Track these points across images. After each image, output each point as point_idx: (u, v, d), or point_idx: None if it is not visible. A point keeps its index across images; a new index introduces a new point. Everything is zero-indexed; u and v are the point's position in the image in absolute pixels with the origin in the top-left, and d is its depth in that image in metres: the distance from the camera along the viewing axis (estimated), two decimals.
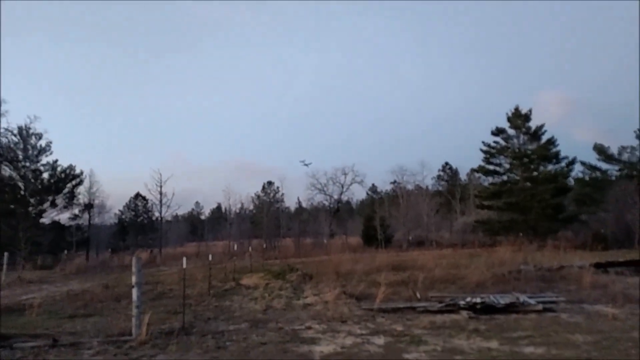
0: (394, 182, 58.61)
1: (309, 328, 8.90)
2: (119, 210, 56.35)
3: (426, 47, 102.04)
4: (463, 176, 63.63)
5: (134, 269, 8.36)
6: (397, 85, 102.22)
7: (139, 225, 53.60)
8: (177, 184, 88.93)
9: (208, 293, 13.37)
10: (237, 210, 50.44)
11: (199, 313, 10.77)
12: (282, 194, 53.50)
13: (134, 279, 8.33)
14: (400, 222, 43.82)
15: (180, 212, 65.19)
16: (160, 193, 40.72)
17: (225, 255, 26.62)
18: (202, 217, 74.15)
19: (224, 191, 56.11)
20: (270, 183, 55.02)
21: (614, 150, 42.18)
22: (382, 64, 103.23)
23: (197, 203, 76.46)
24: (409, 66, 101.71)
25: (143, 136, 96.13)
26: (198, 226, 61.13)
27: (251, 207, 54.54)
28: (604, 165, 42.35)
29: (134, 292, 8.31)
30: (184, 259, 10.14)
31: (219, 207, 66.54)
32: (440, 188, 63.72)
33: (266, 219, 44.06)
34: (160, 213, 41.99)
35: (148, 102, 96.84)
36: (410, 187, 55.61)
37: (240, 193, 75.48)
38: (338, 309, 10.60)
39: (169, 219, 50.29)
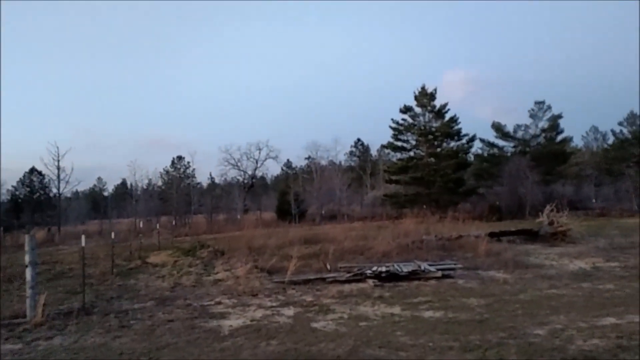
0: (309, 157, 59.29)
1: (219, 303, 8.86)
2: (12, 186, 51.89)
3: (339, 25, 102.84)
4: (374, 152, 65.76)
5: (27, 248, 7.87)
6: (312, 63, 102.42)
7: (35, 202, 49.71)
8: (78, 159, 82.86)
9: (111, 272, 12.77)
10: (144, 187, 48.31)
11: (101, 293, 10.30)
12: (193, 170, 51.93)
13: (27, 258, 7.81)
14: (313, 197, 44.47)
15: (81, 188, 61.26)
16: (58, 168, 37.77)
17: (131, 233, 25.46)
18: (105, 193, 70.14)
19: (129, 166, 53.09)
20: (180, 158, 53.07)
21: (510, 128, 45.54)
22: (296, 43, 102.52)
23: (99, 179, 72.06)
24: (322, 45, 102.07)
25: (39, 107, 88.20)
26: (101, 203, 57.60)
27: (159, 183, 52.52)
28: (500, 142, 45.59)
29: (28, 272, 7.82)
30: (83, 237, 9.55)
31: (123, 183, 63.19)
32: (353, 163, 65.42)
33: (176, 195, 42.61)
34: (58, 189, 39.02)
35: (44, 69, 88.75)
36: (324, 162, 56.61)
37: (147, 168, 71.87)
38: (249, 283, 10.63)
39: (69, 195, 46.89)
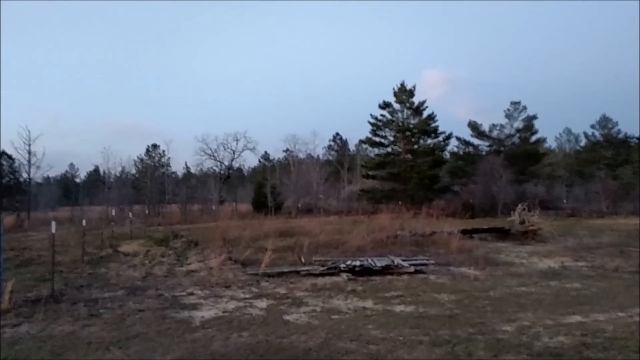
0: (287, 150, 59.08)
1: (191, 294, 8.77)
2: None
3: (320, 19, 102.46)
4: (352, 147, 65.99)
5: None
6: (292, 56, 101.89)
7: (4, 186, 48.16)
8: (50, 144, 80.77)
9: (82, 260, 12.54)
10: (118, 174, 47.43)
11: (70, 280, 10.11)
12: (169, 158, 51.17)
13: None
14: (290, 190, 44.41)
15: (52, 173, 59.73)
16: (29, 152, 36.85)
17: (103, 221, 25.01)
18: (77, 180, 68.53)
19: (103, 153, 51.93)
20: (155, 146, 52.20)
21: (485, 127, 46.25)
22: (276, 35, 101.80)
23: (71, 165, 70.34)
24: (303, 39, 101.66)
25: (10, 90, 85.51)
26: (72, 190, 56.30)
27: (133, 171, 51.64)
28: (476, 141, 46.30)
29: None
30: (53, 224, 9.34)
31: (96, 170, 61.74)
32: (331, 157, 65.55)
33: (150, 183, 41.98)
34: (29, 174, 38.09)
35: (14, 51, 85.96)
36: (302, 155, 56.47)
37: (121, 156, 70.33)
38: (223, 274, 10.56)
39: (39, 180, 45.68)
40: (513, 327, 6.24)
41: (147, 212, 36.51)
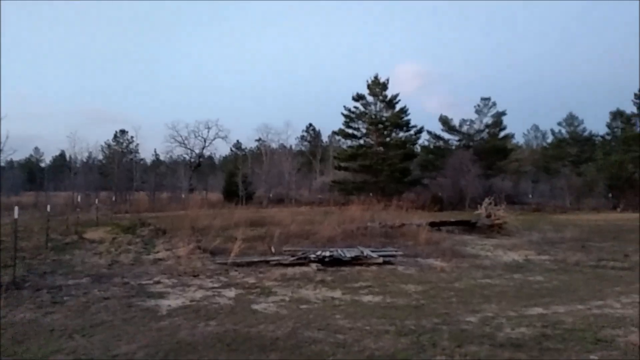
0: (259, 139, 58.53)
1: (158, 283, 8.67)
2: None
3: (294, 9, 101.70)
4: (325, 138, 65.95)
5: None
6: (266, 46, 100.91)
7: None
8: (14, 127, 78.06)
9: (45, 246, 12.20)
10: (84, 160, 46.18)
11: (33, 267, 9.86)
12: (137, 145, 50.11)
13: None
14: (262, 180, 44.12)
15: (16, 157, 57.92)
16: None
17: (69, 207, 24.37)
18: (42, 164, 66.47)
19: (69, 137, 50.41)
20: (123, 132, 51.02)
21: (456, 122, 46.90)
22: (250, 25, 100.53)
23: (36, 149, 68.18)
24: (277, 30, 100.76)
25: None
26: (37, 174, 54.61)
27: (100, 157, 50.38)
28: (446, 135, 46.93)
29: None
30: (16, 209, 9.03)
31: (62, 155, 60.05)
32: (303, 148, 65.40)
33: (117, 170, 41.02)
34: None
35: None
36: (274, 145, 56.09)
37: (89, 141, 68.45)
38: (191, 263, 10.47)
39: (2, 164, 44.13)
40: (477, 318, 6.39)
41: (114, 199, 35.68)
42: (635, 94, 41.58)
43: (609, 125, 45.40)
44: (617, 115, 43.82)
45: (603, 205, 37.12)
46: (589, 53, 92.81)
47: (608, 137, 46.22)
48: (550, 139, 57.57)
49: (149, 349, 5.03)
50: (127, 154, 49.80)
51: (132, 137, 50.14)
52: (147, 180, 42.91)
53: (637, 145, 40.39)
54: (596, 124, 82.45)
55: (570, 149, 50.02)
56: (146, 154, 60.76)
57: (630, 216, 27.59)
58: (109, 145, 51.44)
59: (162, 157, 53.67)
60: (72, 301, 7.14)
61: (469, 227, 18.39)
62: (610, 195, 39.52)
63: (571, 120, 51.89)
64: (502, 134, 46.05)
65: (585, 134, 50.84)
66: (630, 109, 42.33)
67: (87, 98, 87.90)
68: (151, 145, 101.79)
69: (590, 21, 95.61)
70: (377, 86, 40.78)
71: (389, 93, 40.92)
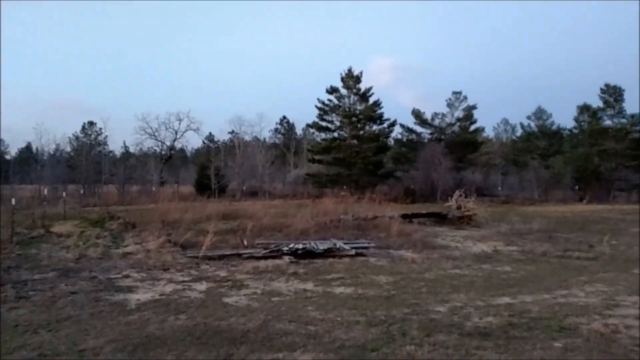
0: (232, 132, 57.85)
1: (127, 277, 8.53)
2: None
3: (268, 1, 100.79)
4: (299, 131, 65.74)
5: None
6: (239, 38, 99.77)
7: None
8: None
9: (10, 240, 11.83)
10: (52, 152, 44.85)
11: None
12: (106, 137, 48.69)
13: None
14: (235, 173, 43.73)
15: None
16: None
17: (35, 201, 23.70)
18: (8, 156, 64.32)
19: (36, 129, 48.83)
20: (91, 123, 49.65)
21: (428, 115, 47.37)
22: (223, 17, 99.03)
23: (1, 140, 65.96)
24: (251, 21, 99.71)
25: None
26: (2, 167, 52.79)
27: (68, 149, 49.01)
28: (418, 129, 47.33)
29: None
30: None
31: (28, 147, 58.28)
32: (277, 141, 65.04)
33: (86, 162, 39.93)
34: None
35: None
36: (247, 138, 55.57)
37: (56, 133, 66.36)
38: (161, 257, 10.32)
39: None
40: (446, 308, 6.50)
41: (82, 192, 34.82)
42: (601, 89, 42.65)
43: (576, 119, 46.47)
44: (584, 109, 44.87)
45: (570, 197, 38.23)
46: (558, 48, 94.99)
47: (575, 131, 47.33)
48: (519, 132, 58.72)
49: (117, 343, 4.95)
50: (95, 146, 48.56)
51: (100, 128, 48.85)
52: (116, 173, 41.93)
53: (603, 138, 41.65)
54: (564, 118, 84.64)
55: (539, 142, 51.14)
56: (115, 146, 59.59)
57: (596, 208, 28.55)
58: (77, 137, 50.11)
59: (131, 150, 52.45)
60: (37, 296, 6.98)
61: (440, 219, 18.68)
62: (576, 187, 40.71)
63: (540, 114, 53.01)
64: (472, 127, 46.78)
65: (554, 127, 51.96)
66: (596, 103, 43.46)
67: (53, 88, 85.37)
68: (120, 137, 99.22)
69: (557, 17, 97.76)
70: (351, 79, 40.82)
71: (363, 86, 41.05)
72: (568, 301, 6.99)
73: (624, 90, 42.04)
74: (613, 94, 42.19)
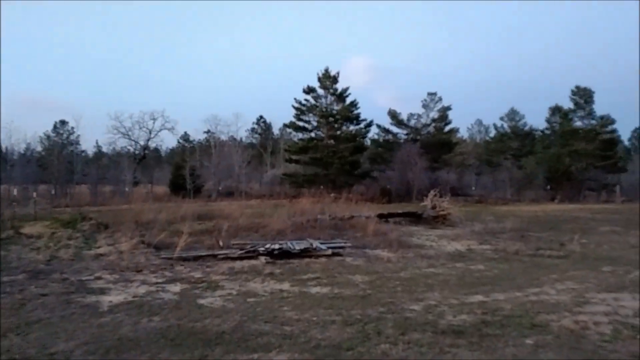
0: (208, 131, 57.30)
1: (99, 278, 8.38)
2: None
3: (248, 4, 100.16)
4: (276, 130, 65.48)
5: None
6: (216, 37, 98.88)
7: None
8: None
9: None
10: (22, 151, 43.69)
11: None
12: (78, 136, 47.71)
13: None
14: (211, 172, 43.31)
15: None
16: None
17: (4, 201, 23.02)
18: None
19: (5, 128, 47.62)
20: (63, 122, 48.55)
21: (404, 116, 47.76)
22: (200, 16, 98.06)
23: None
24: (228, 20, 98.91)
25: None
26: None
27: (39, 148, 47.83)
28: (394, 129, 47.68)
29: None
30: None
31: None
32: (254, 140, 64.69)
33: (57, 162, 39.01)
34: None
35: None
36: (224, 137, 55.12)
37: (26, 132, 64.72)
38: (134, 258, 10.17)
39: None
40: (420, 306, 6.58)
41: (53, 192, 34.08)
42: (572, 90, 43.78)
43: (548, 120, 47.50)
44: (556, 110, 45.90)
45: (542, 197, 39.04)
46: (530, 51, 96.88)
47: (547, 132, 48.35)
48: (492, 133, 59.79)
49: (89, 345, 4.86)
50: (67, 145, 47.49)
51: (72, 127, 47.79)
52: (88, 173, 41.07)
53: (574, 139, 42.70)
54: (536, 119, 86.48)
55: (512, 143, 52.14)
56: (88, 146, 58.42)
57: (567, 207, 29.27)
58: (48, 137, 48.96)
59: (104, 149, 51.53)
60: (6, 299, 6.80)
61: (416, 218, 18.86)
62: (548, 187, 41.61)
63: (513, 115, 54.02)
64: (447, 128, 47.36)
65: (526, 128, 53.00)
66: (567, 104, 44.53)
67: (23, 86, 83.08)
68: (93, 136, 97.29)
69: (529, 20, 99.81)
70: (328, 79, 40.90)
71: (340, 86, 41.19)
72: (539, 299, 7.14)
73: (593, 92, 43.31)
74: (583, 96, 43.36)
